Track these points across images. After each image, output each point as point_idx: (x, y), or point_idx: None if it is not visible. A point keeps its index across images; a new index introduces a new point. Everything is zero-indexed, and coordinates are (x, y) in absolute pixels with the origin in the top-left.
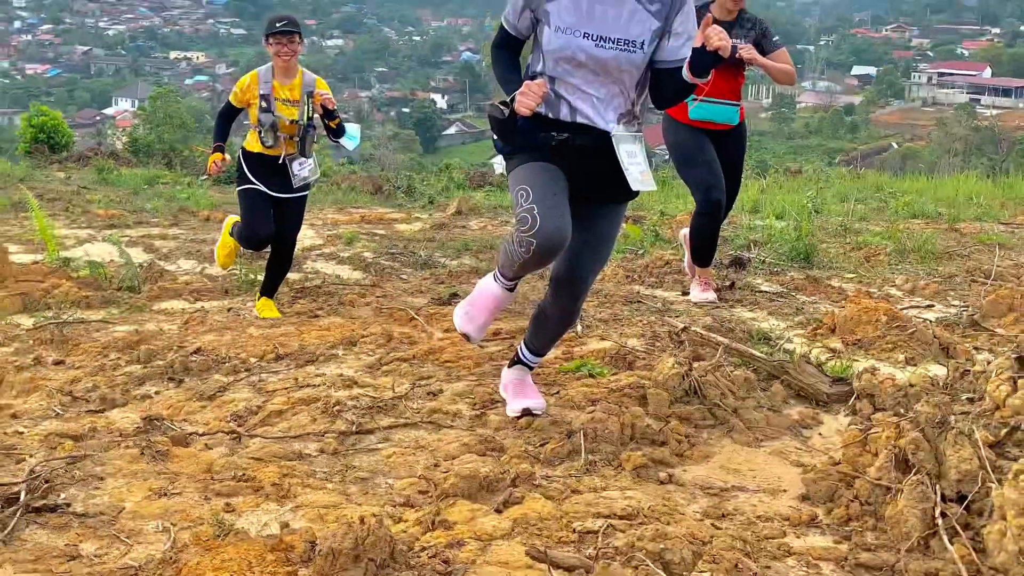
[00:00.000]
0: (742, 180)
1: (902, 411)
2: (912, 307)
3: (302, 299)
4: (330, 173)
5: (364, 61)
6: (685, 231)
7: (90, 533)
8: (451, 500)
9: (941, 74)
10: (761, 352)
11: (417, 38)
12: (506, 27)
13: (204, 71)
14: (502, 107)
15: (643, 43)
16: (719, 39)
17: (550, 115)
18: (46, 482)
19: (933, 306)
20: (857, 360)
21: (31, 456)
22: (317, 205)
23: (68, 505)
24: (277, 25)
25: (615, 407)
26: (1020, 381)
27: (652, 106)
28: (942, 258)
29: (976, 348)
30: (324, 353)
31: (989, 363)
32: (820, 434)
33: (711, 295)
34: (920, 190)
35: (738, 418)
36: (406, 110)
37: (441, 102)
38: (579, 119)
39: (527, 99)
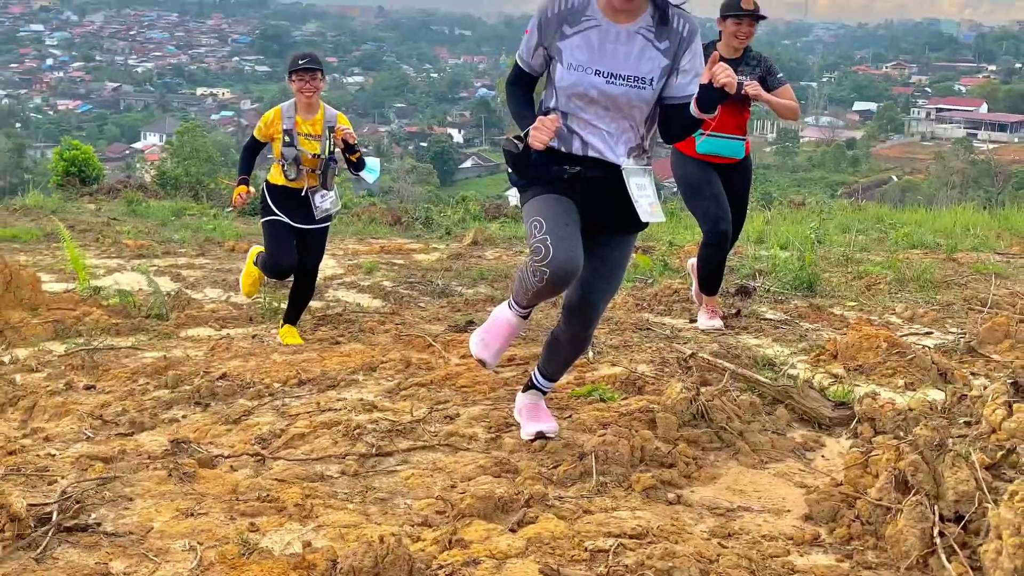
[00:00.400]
0: (748, 212)
1: (902, 434)
2: (911, 334)
3: (324, 326)
4: (351, 205)
5: (383, 97)
6: (693, 261)
7: (120, 552)
8: (467, 520)
9: (939, 110)
10: (766, 377)
11: (434, 75)
12: (520, 64)
13: (229, 107)
14: (516, 141)
15: (652, 80)
16: (725, 76)
17: (563, 149)
18: (77, 503)
19: (932, 333)
20: (858, 385)
21: (63, 478)
22: (338, 236)
23: (98, 525)
24: (300, 62)
25: (625, 430)
26: (1015, 405)
27: (661, 140)
28: (940, 287)
29: (973, 374)
30: (345, 378)
31: (985, 388)
32: (823, 456)
33: (718, 322)
34: (919, 221)
35: (744, 441)
36: (424, 144)
37: (458, 136)
38: (591, 153)
39: (540, 134)
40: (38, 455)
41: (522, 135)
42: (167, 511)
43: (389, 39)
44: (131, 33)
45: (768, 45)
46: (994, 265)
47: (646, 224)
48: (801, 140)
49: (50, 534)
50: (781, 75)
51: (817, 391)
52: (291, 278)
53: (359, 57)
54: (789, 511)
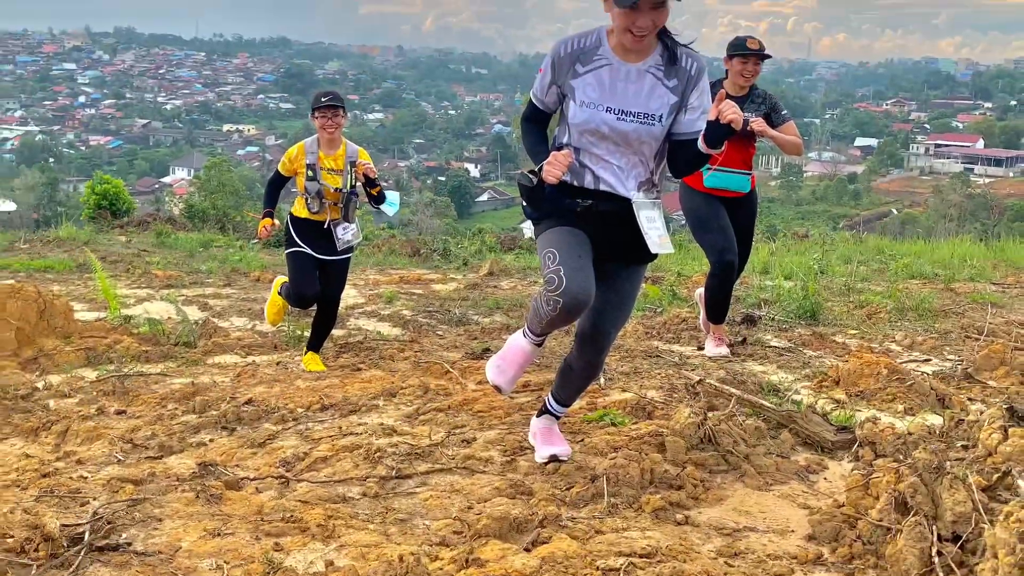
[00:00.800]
0: (753, 243)
1: (901, 457)
2: (911, 361)
3: (346, 354)
4: (371, 237)
5: (403, 133)
6: (700, 291)
7: (149, 571)
8: (483, 540)
9: (937, 145)
10: (771, 403)
11: (452, 112)
12: (534, 102)
13: (255, 142)
14: (531, 176)
15: (661, 116)
16: (732, 113)
17: (575, 183)
18: (108, 523)
19: (930, 360)
20: (859, 410)
21: (95, 499)
22: (359, 267)
23: (129, 544)
24: (323, 100)
25: (635, 454)
26: (1011, 430)
27: (670, 175)
28: (938, 316)
29: (970, 399)
30: (366, 403)
31: (982, 413)
32: (825, 479)
33: (724, 350)
34: (918, 253)
35: (749, 464)
36: (442, 178)
37: (474, 171)
38: (602, 187)
39: (554, 168)
40: (71, 477)
41: (536, 170)
42: (195, 531)
43: (408, 77)
44: (160, 71)
45: (773, 83)
46: (990, 295)
47: (655, 255)
48: (804, 174)
49: (82, 553)
50: (785, 112)
51: (820, 416)
52: (314, 307)
53: (379, 95)
54: (793, 531)
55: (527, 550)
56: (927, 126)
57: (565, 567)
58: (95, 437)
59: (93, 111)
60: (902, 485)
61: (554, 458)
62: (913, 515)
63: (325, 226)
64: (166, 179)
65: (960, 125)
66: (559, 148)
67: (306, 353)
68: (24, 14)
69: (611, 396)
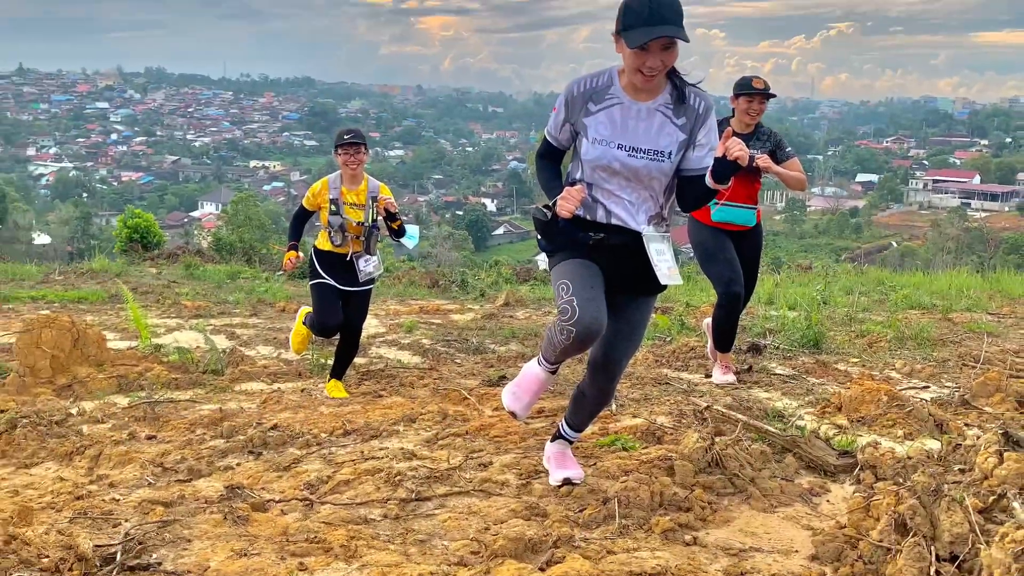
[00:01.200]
0: (758, 275)
1: (901, 480)
2: (910, 388)
3: (367, 381)
4: (392, 269)
5: (422, 169)
6: (708, 320)
7: None
8: (500, 560)
9: (936, 181)
10: (775, 428)
11: (469, 149)
12: (549, 139)
13: (280, 178)
14: (545, 210)
15: (670, 153)
16: (738, 150)
17: (588, 217)
18: (140, 544)
19: (929, 387)
20: (861, 435)
21: (126, 520)
22: (380, 297)
23: (159, 564)
24: (345, 137)
25: (646, 477)
26: (1006, 454)
27: (678, 209)
28: (937, 344)
29: (967, 424)
30: (387, 429)
31: (978, 438)
32: (828, 501)
33: (731, 377)
34: (917, 284)
35: (755, 487)
36: (460, 213)
37: (491, 206)
38: (614, 221)
39: (567, 203)
40: (103, 500)
41: (551, 204)
42: (223, 551)
43: (427, 115)
44: (189, 110)
45: (777, 121)
46: (986, 324)
47: (665, 286)
48: (808, 209)
49: (114, 573)
50: (790, 149)
51: (823, 441)
52: (337, 336)
53: (400, 132)
54: (797, 551)
55: (541, 570)
56: (926, 162)
57: None
58: (127, 461)
59: (125, 148)
60: (902, 507)
61: (567, 481)
62: (912, 536)
63: (348, 258)
64: (195, 213)
65: (957, 161)
66: (572, 183)
67: (329, 380)
68: (58, 55)
69: (622, 422)
